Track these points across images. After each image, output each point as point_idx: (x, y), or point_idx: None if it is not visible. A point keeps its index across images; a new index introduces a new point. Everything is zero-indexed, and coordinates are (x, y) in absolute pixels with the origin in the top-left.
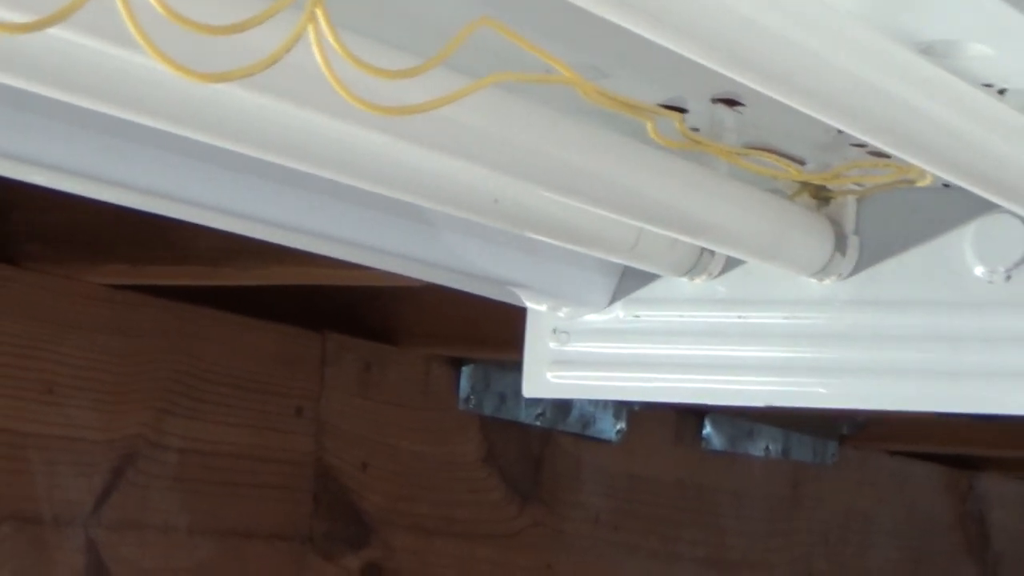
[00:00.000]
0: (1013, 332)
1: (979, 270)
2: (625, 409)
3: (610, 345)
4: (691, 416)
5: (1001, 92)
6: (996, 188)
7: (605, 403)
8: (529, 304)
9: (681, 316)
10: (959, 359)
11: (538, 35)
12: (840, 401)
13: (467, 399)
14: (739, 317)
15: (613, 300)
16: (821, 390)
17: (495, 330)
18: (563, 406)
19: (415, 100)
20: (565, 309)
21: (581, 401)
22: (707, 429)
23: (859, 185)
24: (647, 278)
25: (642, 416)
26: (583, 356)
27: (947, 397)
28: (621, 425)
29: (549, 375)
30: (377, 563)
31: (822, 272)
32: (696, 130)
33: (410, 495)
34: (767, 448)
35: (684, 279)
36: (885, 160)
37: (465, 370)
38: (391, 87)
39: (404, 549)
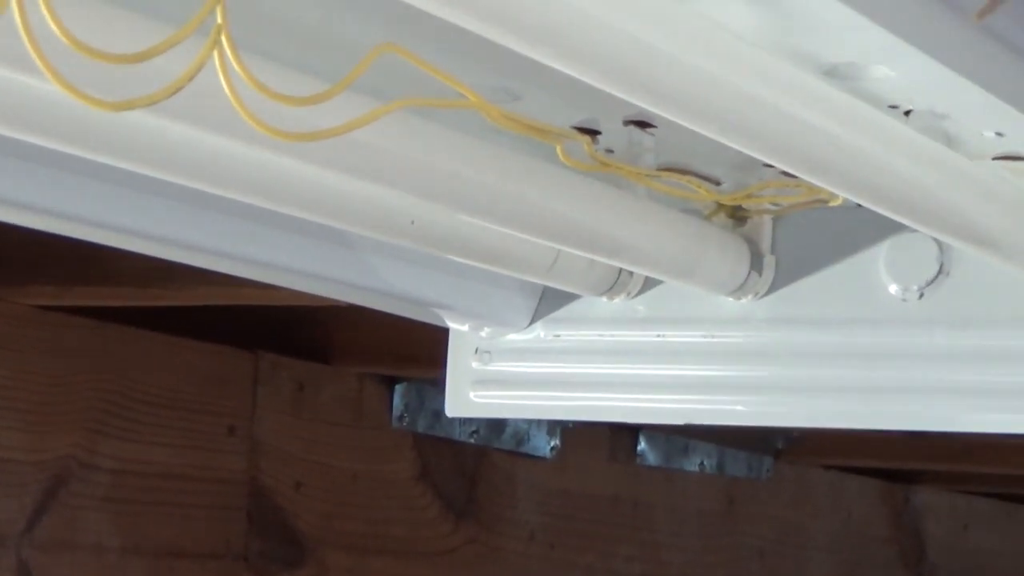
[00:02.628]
0: (926, 349)
1: (893, 288)
2: (559, 426)
3: (531, 364)
4: (626, 432)
5: (907, 114)
6: (902, 208)
7: (539, 420)
8: (451, 324)
9: (600, 335)
10: (874, 376)
11: (450, 58)
12: (758, 419)
13: (400, 417)
14: (658, 336)
15: (534, 320)
16: (739, 408)
17: (428, 348)
18: (497, 423)
19: (323, 125)
20: (487, 329)
21: (515, 418)
22: (642, 445)
23: (775, 205)
24: (567, 298)
25: (576, 433)
26: (505, 375)
27: (863, 414)
28: (555, 442)
29: (471, 394)
30: None
31: (739, 291)
32: (611, 152)
33: (344, 513)
34: (702, 464)
35: (603, 299)
36: (796, 181)
37: (398, 388)
38: (298, 112)
39: (338, 567)
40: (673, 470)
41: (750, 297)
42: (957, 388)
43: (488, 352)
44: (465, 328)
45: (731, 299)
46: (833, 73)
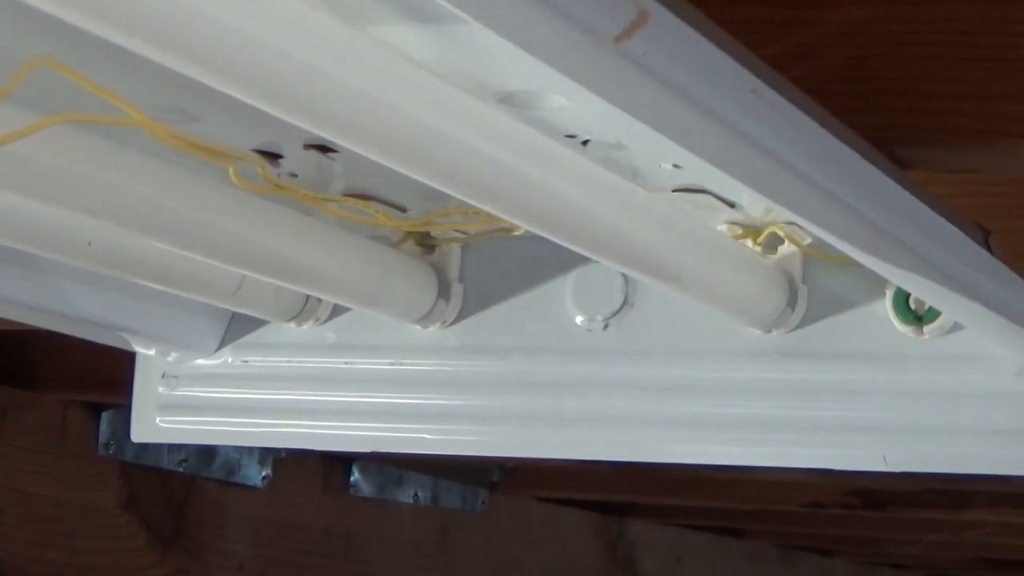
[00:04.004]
0: (612, 380)
1: (579, 319)
2: (271, 455)
3: (219, 390)
4: (339, 463)
5: (584, 143)
6: (581, 240)
7: (251, 449)
8: (138, 349)
9: (289, 361)
10: (561, 405)
11: (125, 77)
12: (445, 447)
13: (107, 444)
14: (346, 363)
15: (222, 345)
16: (426, 436)
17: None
18: (207, 452)
19: None
20: (174, 354)
21: (226, 447)
22: (355, 476)
23: (463, 233)
24: (256, 323)
25: (289, 462)
26: (192, 400)
27: (551, 443)
28: (267, 471)
29: (158, 419)
30: None
31: (426, 319)
32: (295, 176)
33: (46, 543)
34: (416, 495)
35: (292, 324)
36: (476, 209)
37: (105, 415)
38: None
39: None
40: (387, 501)
41: (438, 325)
42: (640, 419)
43: (175, 377)
44: (152, 352)
45: (419, 327)
46: (508, 101)
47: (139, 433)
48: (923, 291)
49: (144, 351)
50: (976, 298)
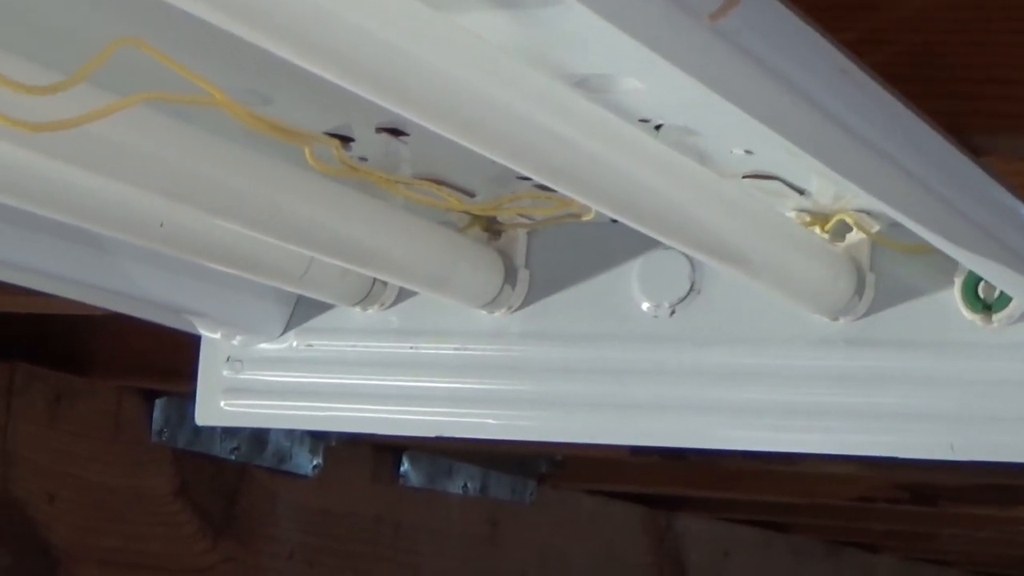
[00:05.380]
0: (677, 366)
1: (645, 305)
2: (322, 444)
3: (283, 374)
4: (389, 452)
5: (657, 128)
6: (652, 223)
7: (301, 438)
8: (203, 332)
9: (354, 346)
10: (625, 392)
11: (202, 59)
12: (508, 432)
13: (160, 432)
14: (411, 348)
15: (287, 329)
16: (490, 421)
17: (190, 363)
18: (259, 440)
19: (59, 116)
20: (239, 337)
21: (277, 435)
22: (405, 466)
23: (529, 219)
24: (321, 307)
25: (339, 451)
26: (256, 384)
27: (613, 429)
28: (317, 460)
29: (222, 403)
30: None
31: (492, 304)
32: (365, 159)
33: (99, 528)
34: (465, 486)
35: (357, 309)
36: (548, 193)
37: (159, 403)
38: (35, 103)
39: None
40: (436, 492)
41: (504, 311)
42: (704, 405)
43: (240, 360)
44: (217, 336)
45: (484, 312)
46: (584, 84)
47: (204, 416)
48: (997, 276)
49: (210, 334)
50: None
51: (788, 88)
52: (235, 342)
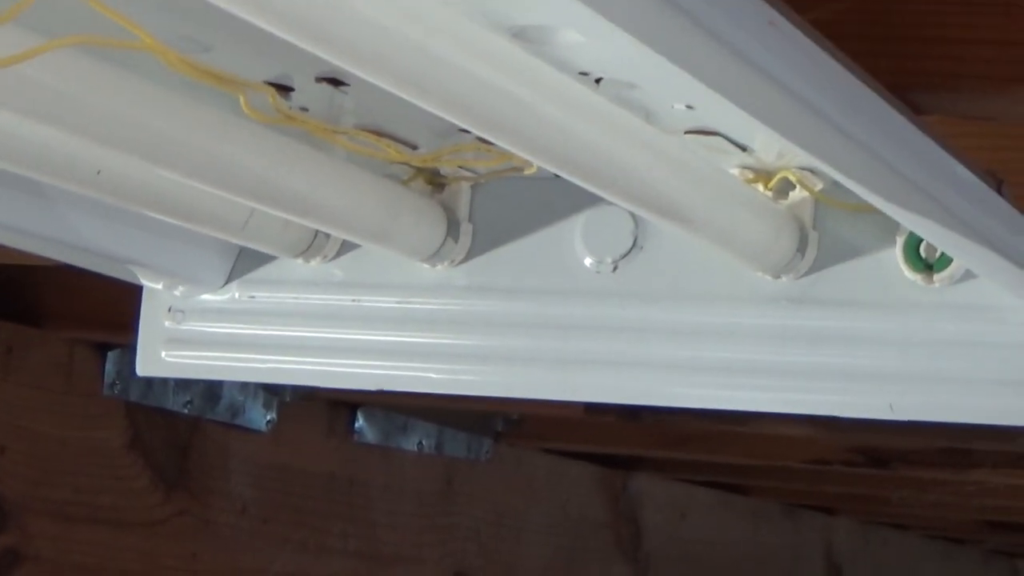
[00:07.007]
0: (619, 322)
1: (588, 260)
2: (276, 399)
3: (225, 325)
4: (343, 408)
5: (597, 81)
6: (592, 178)
7: (255, 392)
8: (145, 282)
9: (296, 298)
10: (568, 348)
11: (136, 4)
12: (451, 386)
13: (112, 384)
14: (353, 300)
15: (229, 280)
16: (432, 375)
17: None
18: (212, 394)
19: None
20: (181, 288)
21: (231, 389)
22: (360, 422)
23: (473, 172)
24: (264, 259)
25: (293, 407)
26: (198, 335)
27: (555, 385)
28: (271, 415)
29: (163, 353)
30: (15, 549)
31: (434, 257)
32: (305, 109)
33: (51, 481)
34: (420, 443)
35: (299, 260)
36: (489, 146)
37: (111, 355)
38: None
39: (43, 535)
40: (391, 448)
41: (446, 264)
42: (646, 362)
43: (182, 311)
44: (159, 286)
45: (427, 266)
46: (522, 35)
47: (144, 367)
48: (937, 237)
49: (151, 285)
50: (990, 245)
51: (712, 38)
52: (177, 293)
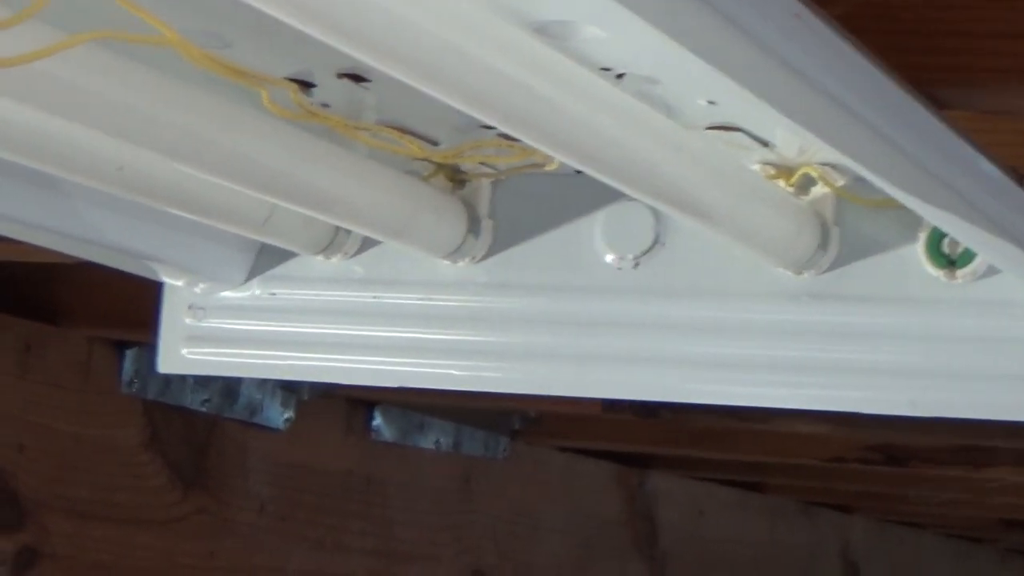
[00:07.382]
0: (640, 318)
1: (609, 257)
2: (294, 397)
3: (246, 322)
4: (361, 407)
5: (619, 77)
6: (614, 173)
7: (273, 390)
8: (166, 279)
9: (317, 295)
10: (588, 344)
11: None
12: (472, 383)
13: (130, 382)
14: (374, 297)
15: (250, 277)
16: (454, 372)
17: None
18: (230, 392)
19: (9, 53)
20: (202, 285)
21: (249, 387)
22: (377, 420)
23: (494, 169)
24: (284, 256)
25: (311, 405)
26: (219, 332)
27: (576, 381)
28: (289, 414)
29: (184, 350)
30: (33, 546)
31: (455, 254)
32: (327, 106)
33: (68, 478)
34: (438, 441)
35: (320, 257)
36: (511, 143)
37: (129, 353)
38: None
39: (61, 533)
40: (408, 447)
41: (466, 261)
42: (667, 358)
43: (202, 308)
44: (180, 283)
45: (447, 262)
46: (544, 31)
47: (165, 364)
48: (961, 232)
49: (172, 281)
50: (1015, 240)
51: (738, 30)
52: (197, 290)
